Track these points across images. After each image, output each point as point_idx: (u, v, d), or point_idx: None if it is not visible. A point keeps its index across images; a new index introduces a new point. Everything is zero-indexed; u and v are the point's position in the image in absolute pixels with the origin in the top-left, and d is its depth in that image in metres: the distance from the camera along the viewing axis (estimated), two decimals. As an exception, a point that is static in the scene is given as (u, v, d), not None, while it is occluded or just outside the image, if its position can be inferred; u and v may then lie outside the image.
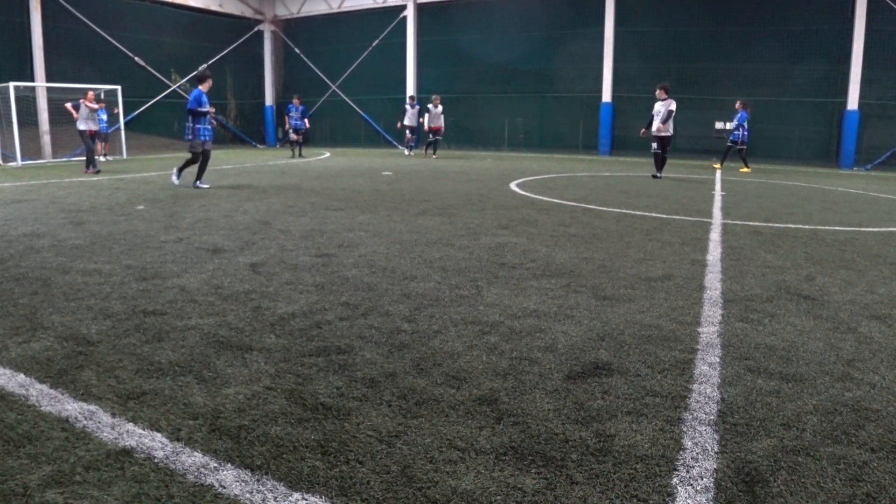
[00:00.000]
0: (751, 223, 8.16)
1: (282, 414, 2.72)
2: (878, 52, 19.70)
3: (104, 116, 20.18)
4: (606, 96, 23.84)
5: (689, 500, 2.14)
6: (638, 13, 23.16)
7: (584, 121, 24.66)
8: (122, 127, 21.54)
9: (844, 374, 3.24)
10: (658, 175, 14.83)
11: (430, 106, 22.10)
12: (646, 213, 8.84)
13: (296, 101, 21.95)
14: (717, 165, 18.70)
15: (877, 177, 17.27)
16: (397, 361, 3.32)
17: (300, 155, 21.46)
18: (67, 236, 6.67)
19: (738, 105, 17.65)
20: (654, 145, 15.08)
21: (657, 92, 14.80)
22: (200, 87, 11.42)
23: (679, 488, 2.21)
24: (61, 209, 8.72)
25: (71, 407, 2.74)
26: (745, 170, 17.60)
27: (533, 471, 2.30)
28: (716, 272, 5.43)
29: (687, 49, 22.41)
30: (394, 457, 2.38)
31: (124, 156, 20.71)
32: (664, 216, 8.62)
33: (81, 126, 15.47)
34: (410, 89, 27.21)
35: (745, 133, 17.61)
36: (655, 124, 14.74)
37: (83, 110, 15.45)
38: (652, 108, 15.16)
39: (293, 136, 21.69)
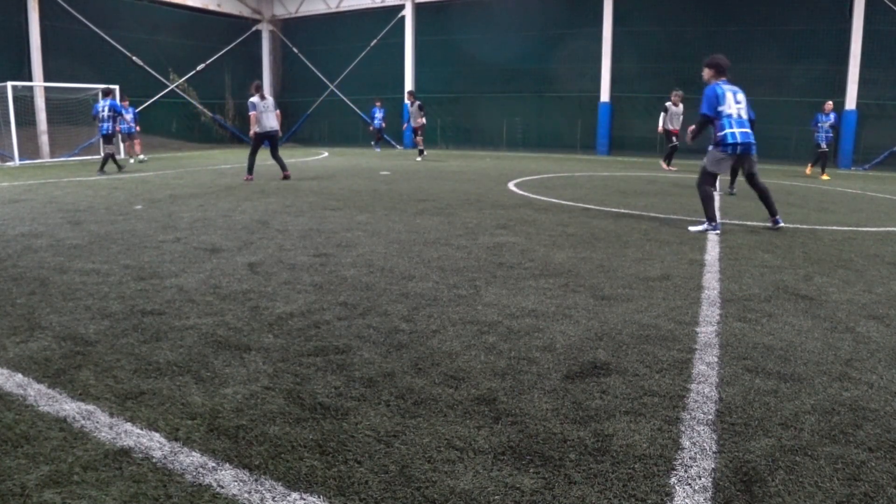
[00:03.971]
0: (749, 223, 8.17)
1: (280, 414, 2.71)
2: (876, 52, 19.71)
3: (128, 116, 18.47)
4: (605, 96, 23.84)
5: (687, 500, 2.14)
6: (636, 13, 23.16)
7: (582, 120, 24.66)
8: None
9: (842, 374, 3.24)
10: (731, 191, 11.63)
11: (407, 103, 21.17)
12: (644, 213, 8.85)
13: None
14: (825, 176, 16.20)
15: (875, 176, 17.28)
16: (395, 361, 3.32)
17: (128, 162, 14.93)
18: (65, 236, 6.66)
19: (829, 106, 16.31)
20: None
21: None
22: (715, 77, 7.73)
23: (677, 488, 2.21)
24: (59, 209, 8.71)
25: (69, 407, 2.74)
26: (825, 177, 16.05)
27: (531, 470, 2.30)
28: (714, 272, 5.43)
29: (685, 49, 22.37)
30: (392, 456, 2.38)
31: (122, 155, 20.65)
32: (662, 216, 8.62)
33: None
34: (409, 89, 27.22)
35: (824, 135, 16.22)
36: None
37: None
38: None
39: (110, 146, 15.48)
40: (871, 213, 9.50)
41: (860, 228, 7.97)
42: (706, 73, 7.80)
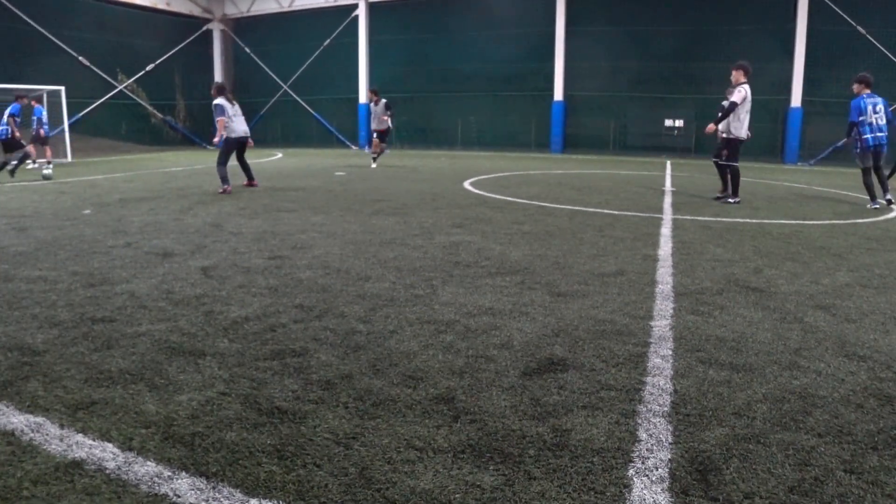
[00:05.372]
0: (700, 218, 8.34)
1: (237, 419, 2.67)
2: (819, 51, 20.35)
3: (35, 118, 16.94)
4: (558, 94, 24.10)
5: (644, 491, 2.17)
6: (589, 12, 23.50)
7: (536, 119, 24.90)
8: (67, 129, 20.90)
9: (792, 363, 3.33)
10: (724, 196, 10.43)
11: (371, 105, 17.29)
12: (598, 210, 8.96)
13: (26, 101, 16.22)
14: None
15: (819, 171, 17.82)
16: (353, 363, 3.30)
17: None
18: (10, 243, 6.45)
19: None
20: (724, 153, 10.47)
21: (734, 74, 10.66)
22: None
23: (635, 479, 2.24)
24: (3, 214, 8.43)
25: (17, 420, 2.66)
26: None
27: (491, 468, 2.31)
28: (667, 267, 5.53)
29: (637, 48, 22.80)
30: (351, 459, 2.37)
31: (69, 159, 20.12)
32: (616, 213, 8.74)
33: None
34: (363, 89, 27.07)
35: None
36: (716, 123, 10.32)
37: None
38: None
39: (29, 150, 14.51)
40: (816, 207, 9.78)
41: (806, 222, 8.21)
42: (856, 87, 9.90)
